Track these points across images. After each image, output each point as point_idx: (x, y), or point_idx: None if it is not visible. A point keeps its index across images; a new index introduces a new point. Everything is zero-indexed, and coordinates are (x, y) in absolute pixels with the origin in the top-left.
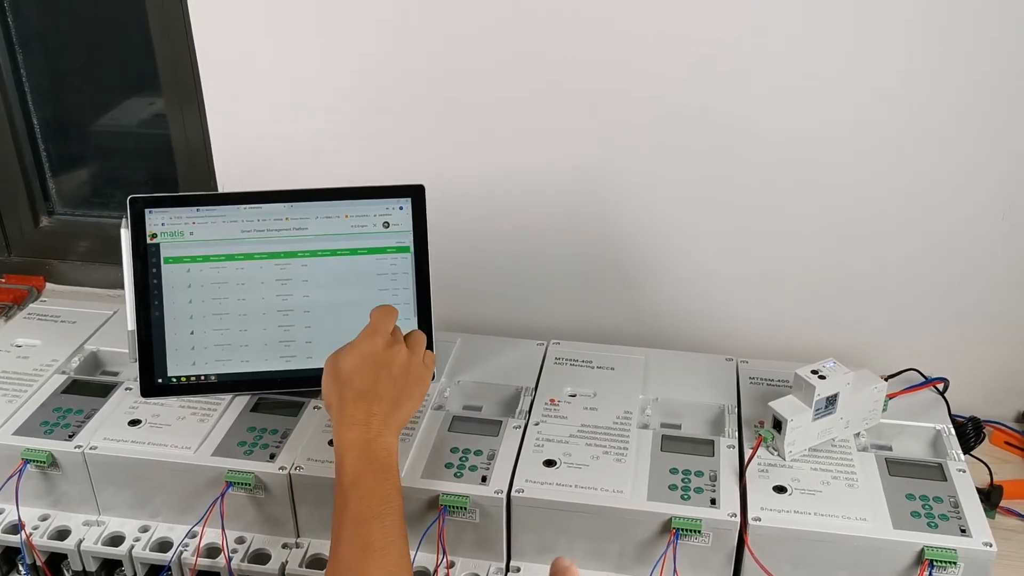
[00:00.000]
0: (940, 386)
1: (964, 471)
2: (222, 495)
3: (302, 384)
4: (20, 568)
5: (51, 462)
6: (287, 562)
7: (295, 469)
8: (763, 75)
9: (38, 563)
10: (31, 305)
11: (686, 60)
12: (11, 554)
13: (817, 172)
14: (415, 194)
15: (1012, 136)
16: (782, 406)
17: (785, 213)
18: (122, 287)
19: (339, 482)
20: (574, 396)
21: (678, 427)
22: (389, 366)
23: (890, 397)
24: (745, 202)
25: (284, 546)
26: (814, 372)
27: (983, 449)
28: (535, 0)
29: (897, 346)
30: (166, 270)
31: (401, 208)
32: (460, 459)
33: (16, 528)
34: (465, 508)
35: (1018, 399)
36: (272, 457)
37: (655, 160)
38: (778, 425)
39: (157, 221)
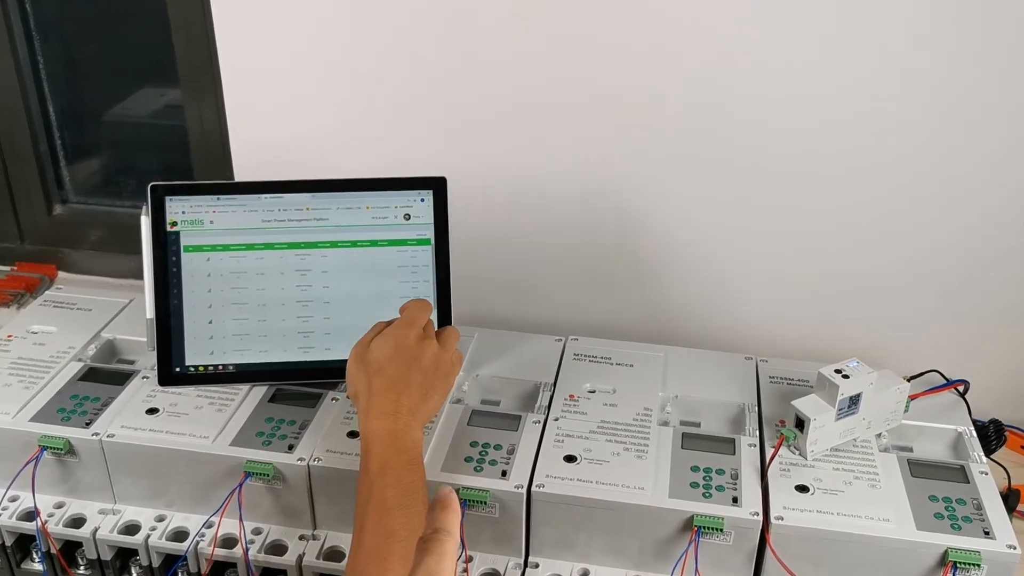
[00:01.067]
0: (960, 388)
1: (986, 473)
2: (240, 485)
3: (321, 375)
4: (34, 556)
5: (68, 449)
6: (304, 554)
7: (314, 460)
8: (779, 74)
9: (52, 551)
10: (47, 292)
11: (703, 58)
12: (25, 541)
13: (835, 171)
14: (437, 186)
15: None
16: (805, 405)
17: (803, 212)
18: (135, 276)
19: (365, 470)
20: (593, 392)
21: (697, 425)
22: (420, 359)
23: (912, 398)
24: (762, 200)
25: (301, 538)
26: (838, 371)
27: (998, 453)
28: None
29: (914, 347)
30: (186, 258)
31: (422, 200)
32: (480, 453)
33: (31, 515)
34: (485, 502)
35: None
36: (291, 448)
37: (673, 158)
38: (801, 424)
39: (177, 209)
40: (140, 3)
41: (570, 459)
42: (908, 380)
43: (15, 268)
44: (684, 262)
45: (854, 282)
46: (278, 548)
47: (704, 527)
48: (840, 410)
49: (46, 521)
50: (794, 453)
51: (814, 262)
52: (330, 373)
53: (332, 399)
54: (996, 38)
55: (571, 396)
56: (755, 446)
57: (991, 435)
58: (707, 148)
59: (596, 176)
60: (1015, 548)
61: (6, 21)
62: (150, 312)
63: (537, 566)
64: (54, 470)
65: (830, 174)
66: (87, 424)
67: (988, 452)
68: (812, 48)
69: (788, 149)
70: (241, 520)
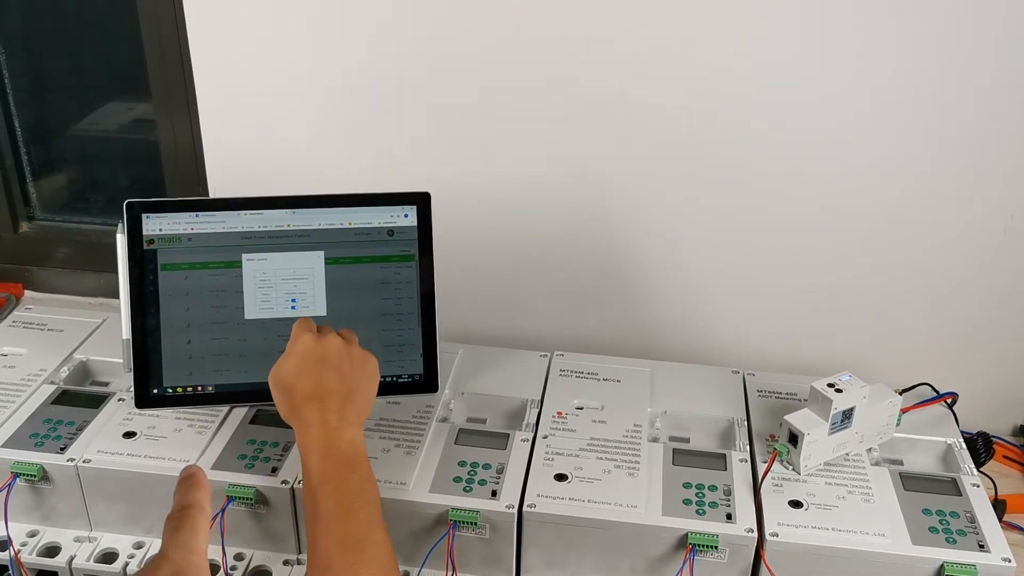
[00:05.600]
0: (949, 400)
1: (978, 485)
2: (223, 510)
3: None
4: None
5: (42, 476)
6: None
7: (298, 483)
8: (766, 82)
9: None
10: (15, 312)
11: (687, 67)
12: None
13: (821, 183)
14: (420, 201)
15: (1013, 146)
16: (798, 420)
17: (789, 224)
18: (105, 294)
19: (307, 486)
20: (581, 409)
21: (687, 440)
22: (327, 358)
23: (903, 411)
24: (748, 213)
25: (285, 563)
26: (830, 385)
27: None
28: (537, 4)
29: (897, 359)
30: (163, 277)
31: (406, 216)
32: (469, 473)
33: (3, 544)
34: (476, 523)
35: (1016, 413)
36: (274, 471)
37: (657, 169)
38: (794, 439)
39: (154, 226)
40: (110, 15)
41: (561, 477)
42: (900, 393)
43: None
44: (669, 276)
45: (840, 294)
46: (262, 574)
47: (699, 544)
48: (833, 424)
49: (19, 550)
50: (787, 468)
51: (799, 274)
52: None
53: None
54: (978, 58)
55: (559, 413)
56: (746, 461)
57: (980, 448)
58: (688, 159)
59: (578, 189)
60: (1010, 561)
61: None
62: (126, 332)
63: None
64: (27, 497)
65: (816, 186)
66: (61, 449)
67: (978, 465)
68: (796, 59)
69: (773, 162)
70: (223, 546)
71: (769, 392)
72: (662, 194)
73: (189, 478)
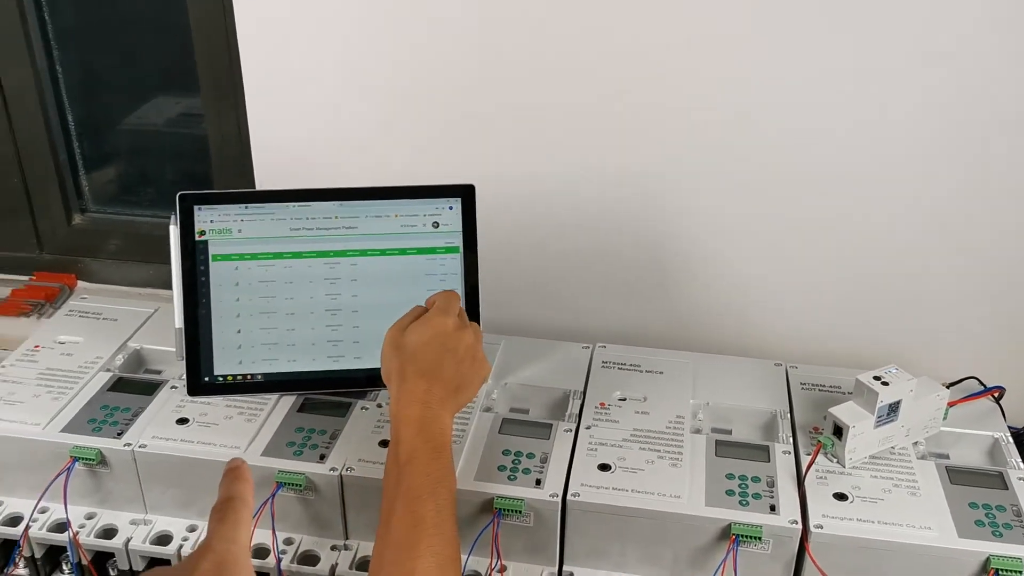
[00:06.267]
0: (996, 394)
1: None
2: (272, 496)
3: (350, 384)
4: (64, 567)
5: (100, 460)
6: (337, 564)
7: (346, 470)
8: (806, 78)
9: (84, 562)
10: (71, 302)
11: (726, 63)
12: (55, 552)
13: (865, 173)
14: (465, 194)
15: None
16: (843, 412)
17: (833, 216)
18: (154, 285)
19: (394, 457)
20: (624, 400)
21: (729, 432)
22: (455, 349)
23: (950, 405)
24: (790, 205)
25: (333, 548)
26: (876, 378)
27: None
28: (581, 3)
29: (944, 352)
30: (214, 267)
31: (451, 208)
32: (513, 462)
33: (62, 527)
34: (520, 511)
35: None
36: (322, 458)
37: (698, 163)
38: (838, 432)
39: (206, 218)
40: (160, 11)
41: (604, 467)
42: (947, 387)
43: (33, 278)
44: (711, 268)
45: (886, 286)
46: (310, 559)
47: (743, 535)
48: (879, 417)
49: (77, 532)
50: (832, 461)
51: (844, 266)
52: (359, 382)
53: (362, 408)
54: None
55: (602, 404)
56: (789, 453)
57: None
58: (728, 153)
59: (621, 183)
60: None
61: (24, 31)
62: (179, 322)
63: (571, 575)
64: (85, 481)
65: (862, 178)
66: (118, 435)
67: None
68: (847, 52)
69: (813, 155)
70: (274, 530)
71: (813, 385)
72: (703, 189)
73: (234, 471)
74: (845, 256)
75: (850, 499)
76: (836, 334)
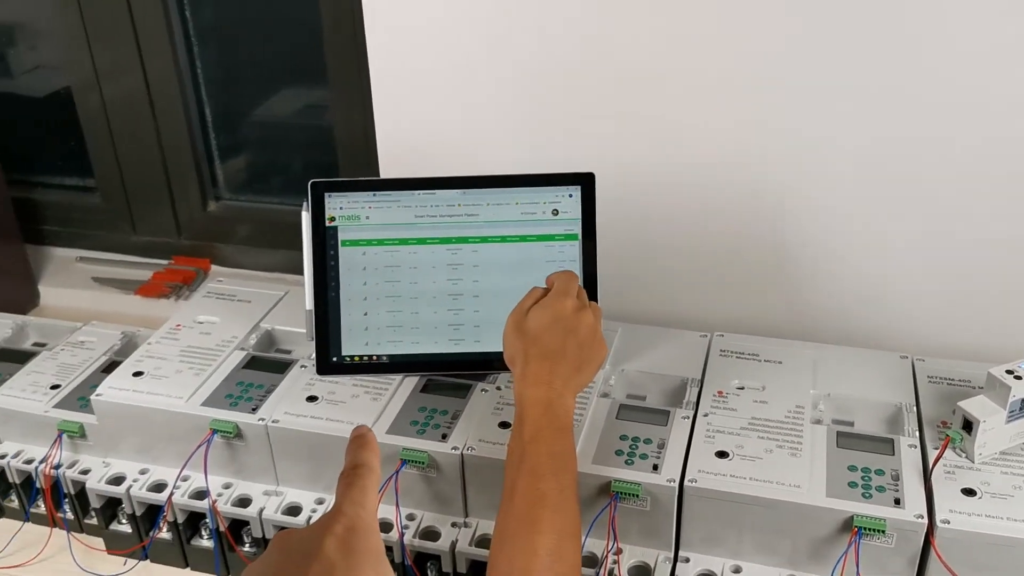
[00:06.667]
0: None
1: None
2: (397, 472)
3: (471, 367)
4: (203, 533)
5: (236, 433)
6: (457, 540)
7: (467, 450)
8: (950, 84)
9: (222, 528)
10: (208, 284)
11: (869, 61)
12: (194, 519)
13: (992, 167)
14: (585, 182)
15: None
16: (973, 406)
17: (961, 208)
18: (283, 270)
19: (518, 436)
20: (742, 389)
21: (851, 424)
22: (576, 330)
23: None
24: (919, 199)
25: (453, 525)
26: (1009, 372)
27: None
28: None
29: None
30: (343, 252)
31: (571, 196)
32: (630, 447)
33: (201, 494)
34: (637, 495)
35: None
36: (444, 437)
37: (826, 154)
38: (968, 426)
39: (336, 205)
40: (293, 6)
41: (722, 455)
42: None
43: (173, 261)
44: (834, 260)
45: (1017, 277)
46: (431, 534)
47: (865, 528)
48: (1011, 412)
49: (216, 500)
50: (960, 456)
51: (973, 258)
52: (480, 365)
53: (482, 390)
54: None
55: (719, 392)
56: (916, 447)
57: None
58: (860, 147)
59: (743, 172)
60: None
61: (168, 28)
62: (309, 304)
63: (688, 560)
64: (223, 453)
65: (988, 171)
66: (253, 410)
67: None
68: (985, 58)
69: (945, 148)
70: (397, 506)
71: (940, 378)
72: (828, 181)
73: (359, 438)
74: (978, 247)
75: (979, 495)
76: (967, 328)
